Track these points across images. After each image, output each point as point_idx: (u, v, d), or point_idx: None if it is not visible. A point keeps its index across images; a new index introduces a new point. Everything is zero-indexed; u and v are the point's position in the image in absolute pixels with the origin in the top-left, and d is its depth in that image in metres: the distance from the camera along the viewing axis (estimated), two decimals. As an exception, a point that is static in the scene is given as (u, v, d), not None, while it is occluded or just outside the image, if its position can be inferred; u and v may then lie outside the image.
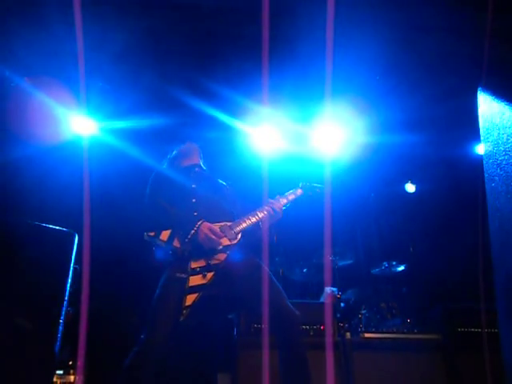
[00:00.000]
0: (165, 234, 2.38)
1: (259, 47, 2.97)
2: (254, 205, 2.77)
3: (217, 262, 2.36)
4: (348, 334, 3.44)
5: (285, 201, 2.74)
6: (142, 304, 3.94)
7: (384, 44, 3.20)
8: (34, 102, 3.54)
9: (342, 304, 3.89)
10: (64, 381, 3.10)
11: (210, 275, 2.31)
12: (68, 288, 1.47)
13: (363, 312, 4.05)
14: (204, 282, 2.29)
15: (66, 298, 1.48)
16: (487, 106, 1.48)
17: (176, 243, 2.37)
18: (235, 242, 2.44)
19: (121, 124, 4.11)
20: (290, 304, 2.40)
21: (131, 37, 3.37)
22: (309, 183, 2.93)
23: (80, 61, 3.24)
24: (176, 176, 2.75)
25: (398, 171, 5.04)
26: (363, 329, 3.72)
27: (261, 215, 2.58)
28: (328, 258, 4.07)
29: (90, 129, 4.10)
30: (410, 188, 5.14)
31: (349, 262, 4.48)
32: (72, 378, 3.11)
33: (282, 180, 3.65)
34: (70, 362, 3.17)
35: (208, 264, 2.34)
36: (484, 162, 1.49)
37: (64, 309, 1.46)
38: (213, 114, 4.03)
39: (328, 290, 3.90)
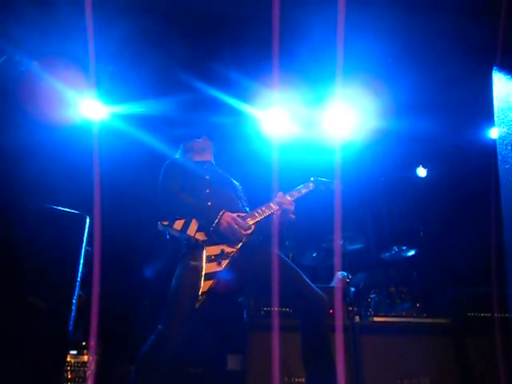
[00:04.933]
0: (179, 224, 2.38)
1: (269, 29, 2.93)
2: (264, 191, 2.77)
3: (231, 250, 2.37)
4: (357, 318, 3.46)
5: (297, 194, 2.73)
6: (152, 286, 4.00)
7: (396, 25, 3.14)
8: (44, 86, 3.54)
9: (352, 288, 3.90)
10: (78, 360, 3.16)
11: (224, 263, 2.31)
12: (80, 269, 1.49)
13: (372, 296, 4.05)
14: (219, 268, 2.29)
15: (79, 279, 1.50)
16: (502, 85, 1.44)
17: (190, 232, 2.38)
18: (249, 232, 2.45)
19: (131, 108, 4.11)
20: (315, 287, 2.41)
21: (141, 20, 3.35)
22: (321, 178, 2.90)
23: (90, 44, 3.23)
24: (190, 166, 2.76)
25: (409, 155, 4.99)
26: (372, 313, 3.73)
27: (275, 207, 2.57)
28: (338, 242, 4.07)
29: (101, 113, 4.12)
30: (421, 172, 5.10)
31: (359, 246, 4.46)
32: (86, 357, 3.17)
33: (292, 164, 3.64)
34: (84, 343, 3.23)
35: (222, 252, 2.35)
36: (497, 144, 1.46)
37: (77, 289, 1.48)
38: (222, 97, 4.01)
39: (339, 274, 3.90)
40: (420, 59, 3.57)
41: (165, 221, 2.39)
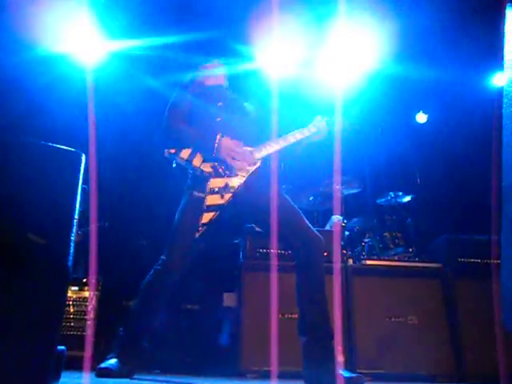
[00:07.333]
0: (185, 152, 2.40)
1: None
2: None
3: (235, 184, 2.37)
4: (350, 261, 3.55)
5: (302, 135, 2.68)
6: (151, 223, 4.04)
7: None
8: (34, 19, 3.38)
9: (346, 232, 3.96)
10: (79, 296, 3.28)
11: (227, 196, 2.34)
12: (77, 206, 1.49)
13: (366, 241, 4.12)
14: (222, 202, 2.32)
15: (77, 217, 1.50)
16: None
17: (196, 162, 2.38)
18: (254, 167, 2.43)
19: (128, 45, 3.97)
20: (313, 229, 2.44)
21: None
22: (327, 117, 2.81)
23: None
24: (201, 92, 2.64)
25: (408, 100, 4.89)
26: (365, 256, 3.81)
27: (283, 143, 2.54)
28: (336, 186, 4.07)
29: (97, 50, 3.98)
30: (421, 118, 5.01)
31: (355, 191, 4.47)
32: (87, 293, 3.28)
33: (292, 105, 3.56)
34: (85, 280, 3.33)
35: (226, 185, 2.36)
36: (505, 87, 1.41)
37: (75, 227, 1.48)
38: (219, 36, 3.86)
39: (335, 218, 3.94)
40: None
41: (172, 149, 2.39)
